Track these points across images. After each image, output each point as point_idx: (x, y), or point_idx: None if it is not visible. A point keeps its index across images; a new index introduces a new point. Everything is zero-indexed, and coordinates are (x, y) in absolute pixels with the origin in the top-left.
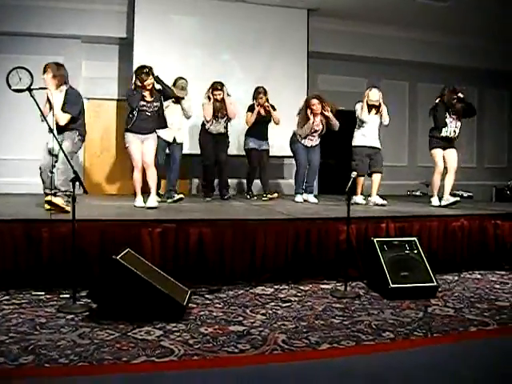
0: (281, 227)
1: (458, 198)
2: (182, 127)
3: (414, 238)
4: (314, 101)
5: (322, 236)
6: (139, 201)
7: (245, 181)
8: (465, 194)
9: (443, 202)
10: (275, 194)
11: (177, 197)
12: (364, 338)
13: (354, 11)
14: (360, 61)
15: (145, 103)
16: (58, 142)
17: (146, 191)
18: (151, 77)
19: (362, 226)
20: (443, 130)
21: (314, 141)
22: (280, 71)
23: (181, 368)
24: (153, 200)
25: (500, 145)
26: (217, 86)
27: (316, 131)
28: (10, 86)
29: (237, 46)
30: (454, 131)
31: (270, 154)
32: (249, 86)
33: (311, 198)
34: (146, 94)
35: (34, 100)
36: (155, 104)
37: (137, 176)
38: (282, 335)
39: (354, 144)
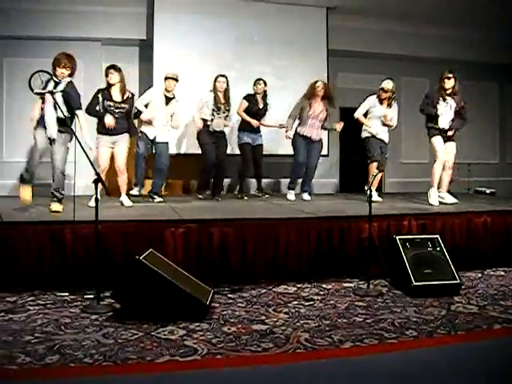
0: (303, 226)
1: (457, 201)
2: (169, 127)
3: (437, 236)
4: (319, 83)
5: (344, 234)
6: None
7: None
8: (487, 191)
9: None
10: (266, 196)
11: (157, 199)
12: (387, 336)
13: (372, 8)
14: (380, 58)
15: (111, 103)
16: (84, 148)
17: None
18: (116, 75)
19: (383, 223)
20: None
21: (316, 133)
22: (300, 70)
23: (204, 367)
24: (125, 200)
25: None
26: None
27: (317, 117)
28: (32, 90)
29: (257, 45)
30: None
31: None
32: (268, 84)
33: (305, 195)
34: (114, 93)
35: (56, 103)
36: (123, 105)
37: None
38: (305, 334)
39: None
